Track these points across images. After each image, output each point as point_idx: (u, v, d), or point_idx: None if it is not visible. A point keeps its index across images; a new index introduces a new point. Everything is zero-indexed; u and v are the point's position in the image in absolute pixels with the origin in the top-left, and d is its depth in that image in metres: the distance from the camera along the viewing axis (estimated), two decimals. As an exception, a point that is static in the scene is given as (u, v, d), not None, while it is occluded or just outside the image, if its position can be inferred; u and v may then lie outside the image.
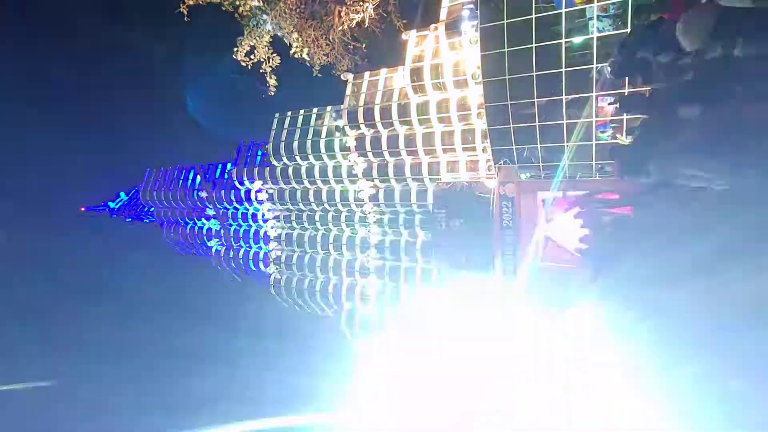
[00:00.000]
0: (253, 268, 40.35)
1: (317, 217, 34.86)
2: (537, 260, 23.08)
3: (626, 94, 17.83)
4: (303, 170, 34.00)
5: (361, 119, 29.15)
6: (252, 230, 40.18)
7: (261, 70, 26.18)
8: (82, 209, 58.87)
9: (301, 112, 34.40)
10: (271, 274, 38.32)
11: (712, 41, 4.58)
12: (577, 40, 19.29)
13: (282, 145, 34.08)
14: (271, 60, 25.81)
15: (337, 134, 31.56)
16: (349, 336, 33.74)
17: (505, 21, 20.51)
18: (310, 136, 33.08)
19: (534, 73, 20.27)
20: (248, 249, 40.64)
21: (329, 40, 27.78)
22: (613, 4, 18.28)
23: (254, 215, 39.83)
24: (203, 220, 45.85)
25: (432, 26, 25.83)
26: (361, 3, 24.38)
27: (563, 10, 19.23)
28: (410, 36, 26.93)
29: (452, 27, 24.76)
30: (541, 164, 21.77)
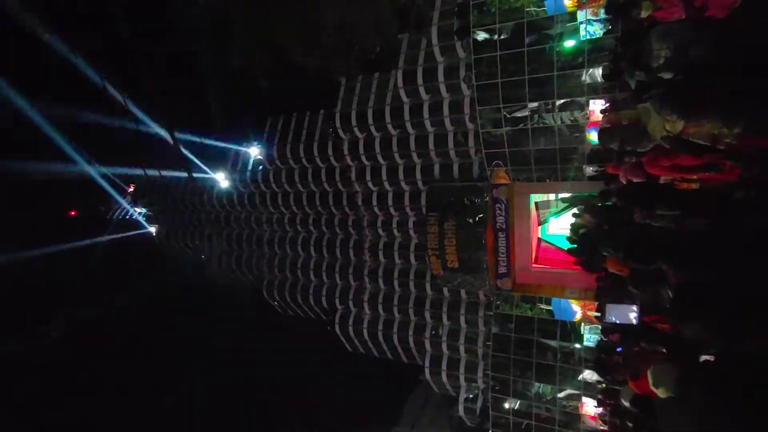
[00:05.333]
0: (246, 270, 40.11)
1: (311, 221, 34.77)
2: (530, 262, 23.19)
3: (618, 97, 18.00)
4: (296, 174, 33.93)
5: (354, 122, 29.15)
6: (245, 233, 39.93)
7: (253, 73, 26.22)
8: (72, 214, 57.45)
9: (294, 115, 34.36)
10: (264, 278, 38.12)
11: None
12: (569, 43, 19.51)
13: (275, 148, 34.02)
14: (263, 62, 25.84)
15: (331, 137, 31.52)
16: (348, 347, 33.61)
17: (497, 24, 20.68)
18: (303, 139, 33.05)
19: (526, 77, 20.44)
20: (241, 252, 40.37)
21: (322, 44, 27.86)
22: (605, 8, 18.52)
23: (247, 218, 39.61)
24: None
25: (425, 30, 25.94)
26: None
27: (554, 14, 19.49)
28: (403, 39, 27.05)
29: (445, 30, 24.90)
30: (533, 167, 21.89)
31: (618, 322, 5.95)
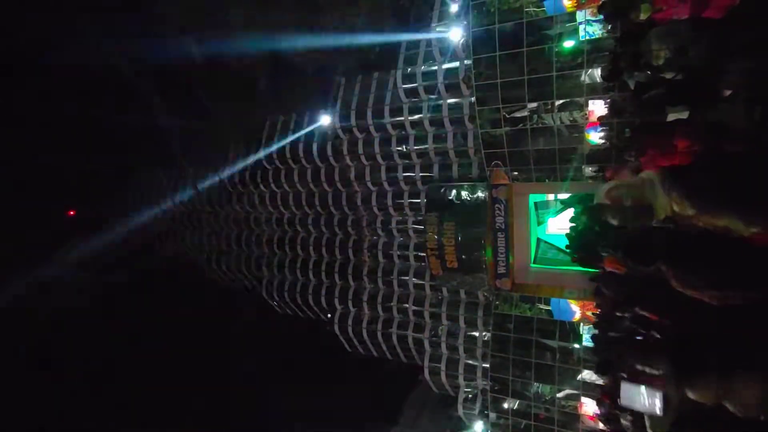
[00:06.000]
0: (246, 270, 40.08)
1: (310, 221, 34.74)
2: (529, 262, 23.22)
3: (617, 97, 18.03)
4: (296, 174, 33.91)
5: (353, 122, 29.15)
6: (244, 234, 39.91)
7: (255, 73, 26.24)
8: (71, 213, 57.05)
9: (294, 115, 34.34)
10: (264, 278, 38.09)
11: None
12: (568, 44, 19.51)
13: (274, 148, 34.01)
14: (264, 63, 25.88)
15: (330, 137, 31.50)
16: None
17: (497, 25, 20.68)
18: (302, 139, 33.03)
19: (525, 77, 20.44)
20: (241, 252, 40.36)
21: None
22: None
23: (247, 218, 39.59)
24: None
25: (424, 30, 25.96)
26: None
27: (554, 15, 19.50)
28: (403, 40, 27.06)
29: (444, 31, 24.92)
30: (533, 167, 21.90)
31: (636, 408, 4.47)
